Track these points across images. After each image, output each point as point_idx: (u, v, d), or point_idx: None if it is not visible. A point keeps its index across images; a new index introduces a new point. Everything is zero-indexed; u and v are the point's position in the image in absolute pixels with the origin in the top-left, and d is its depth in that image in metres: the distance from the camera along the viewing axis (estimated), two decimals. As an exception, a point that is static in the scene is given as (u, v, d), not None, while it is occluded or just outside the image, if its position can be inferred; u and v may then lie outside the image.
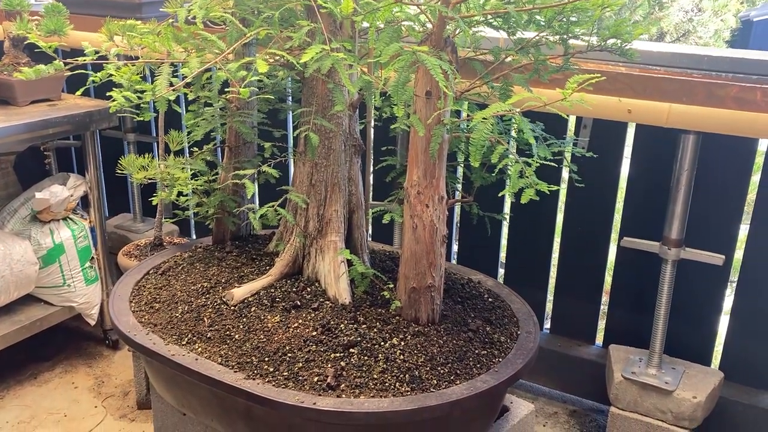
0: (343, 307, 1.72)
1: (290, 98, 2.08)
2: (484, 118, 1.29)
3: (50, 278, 2.67)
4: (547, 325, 2.74)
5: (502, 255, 2.75)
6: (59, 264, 2.67)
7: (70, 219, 2.74)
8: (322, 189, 1.80)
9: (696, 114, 1.92)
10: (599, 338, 2.62)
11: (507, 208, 2.52)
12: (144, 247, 2.66)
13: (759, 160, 2.18)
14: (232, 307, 1.73)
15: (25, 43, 2.69)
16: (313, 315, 1.69)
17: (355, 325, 1.65)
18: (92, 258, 2.77)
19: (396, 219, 1.72)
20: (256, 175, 2.11)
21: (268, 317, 1.69)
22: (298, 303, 1.73)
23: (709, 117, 1.91)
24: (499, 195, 1.47)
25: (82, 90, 1.69)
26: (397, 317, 1.69)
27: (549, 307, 2.70)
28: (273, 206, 1.68)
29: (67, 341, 2.91)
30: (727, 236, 2.23)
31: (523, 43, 1.63)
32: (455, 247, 2.75)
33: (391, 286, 1.72)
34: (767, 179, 2.14)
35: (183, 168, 2.00)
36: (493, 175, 1.58)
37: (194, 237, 3.34)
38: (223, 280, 1.86)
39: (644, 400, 2.22)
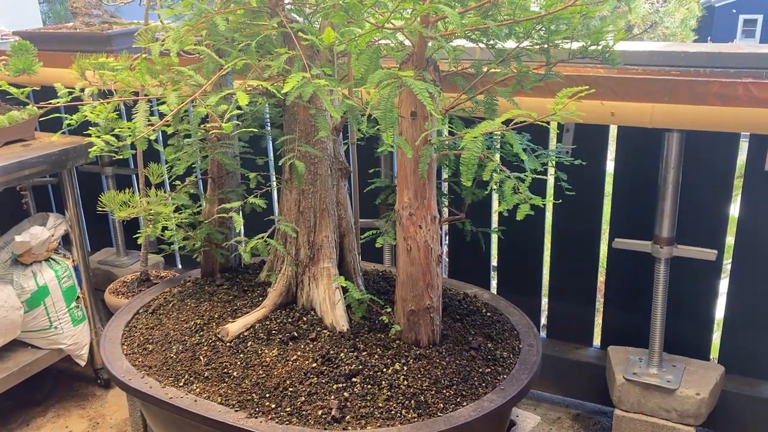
0: (341, 335, 1.68)
1: (269, 124, 2.04)
2: (474, 138, 1.27)
3: (36, 321, 2.61)
4: (543, 329, 2.73)
5: (494, 262, 2.74)
6: (44, 306, 2.61)
7: (53, 259, 2.68)
8: (311, 215, 1.77)
9: (679, 113, 1.92)
10: (596, 340, 2.62)
11: (495, 217, 2.50)
12: (131, 284, 2.60)
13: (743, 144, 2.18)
14: (228, 344, 1.69)
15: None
16: (311, 346, 1.65)
17: (356, 353, 1.61)
18: (78, 297, 2.70)
19: (389, 241, 1.69)
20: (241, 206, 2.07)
21: (266, 351, 1.65)
22: (295, 334, 1.69)
23: (692, 115, 1.91)
24: (494, 212, 1.44)
25: (58, 134, 1.64)
26: (398, 341, 1.66)
27: (544, 311, 2.69)
28: (262, 238, 1.65)
29: (58, 383, 2.84)
30: (717, 228, 2.23)
31: (503, 55, 1.61)
32: (445, 256, 2.73)
33: (389, 310, 1.69)
34: (753, 162, 2.14)
35: (166, 203, 1.96)
36: (485, 191, 1.56)
37: (180, 266, 3.29)
38: (216, 316, 1.82)
39: (648, 401, 2.21)
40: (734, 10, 19.23)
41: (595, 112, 2.00)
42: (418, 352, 1.62)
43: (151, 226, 2.08)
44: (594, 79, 1.98)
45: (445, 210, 2.07)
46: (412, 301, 1.62)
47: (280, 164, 1.70)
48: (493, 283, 2.77)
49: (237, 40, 1.65)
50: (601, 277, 2.57)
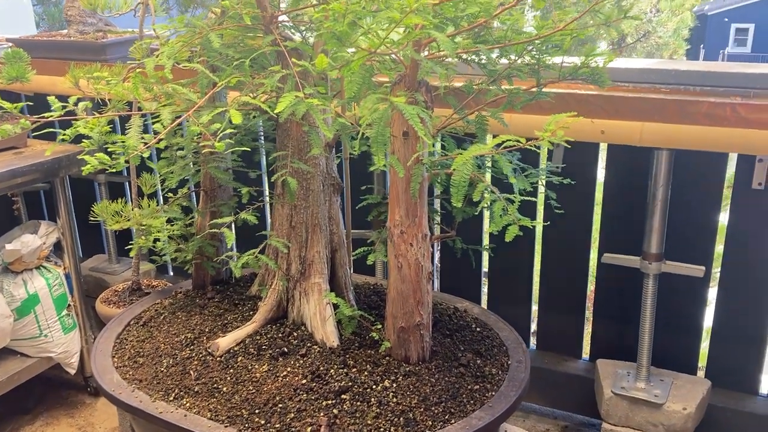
0: (331, 351, 1.69)
1: (262, 137, 2.05)
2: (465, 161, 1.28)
3: (26, 330, 2.60)
4: (533, 335, 2.75)
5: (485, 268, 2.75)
6: (35, 314, 2.60)
7: (44, 267, 2.68)
8: (303, 231, 1.78)
9: (669, 131, 1.94)
10: (585, 352, 2.64)
11: (486, 232, 2.51)
12: (122, 293, 2.60)
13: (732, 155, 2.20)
14: (218, 358, 1.70)
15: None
16: (301, 362, 1.66)
17: (345, 370, 1.63)
18: (69, 306, 2.70)
19: (380, 258, 1.70)
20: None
21: (256, 367, 1.66)
22: (285, 350, 1.70)
23: (681, 134, 1.93)
24: (486, 232, 1.45)
25: (52, 148, 1.66)
26: (387, 358, 1.67)
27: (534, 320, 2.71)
28: (254, 254, 1.66)
29: (47, 391, 2.83)
30: (706, 245, 2.25)
31: (494, 75, 1.63)
32: (437, 261, 2.74)
33: (380, 326, 1.70)
34: (741, 178, 2.17)
35: (158, 215, 1.97)
36: (476, 209, 1.57)
37: (171, 274, 3.29)
38: (206, 330, 1.82)
39: (635, 415, 2.23)
40: (726, 19, 19.38)
41: (585, 129, 2.02)
42: (407, 369, 1.64)
43: (143, 237, 2.09)
44: (584, 97, 2.00)
45: (437, 227, 2.08)
46: (403, 318, 1.63)
47: (272, 180, 1.71)
48: (484, 289, 2.78)
49: (231, 56, 1.66)
50: (591, 286, 2.59)
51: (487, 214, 1.49)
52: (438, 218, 2.00)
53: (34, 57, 2.64)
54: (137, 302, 2.08)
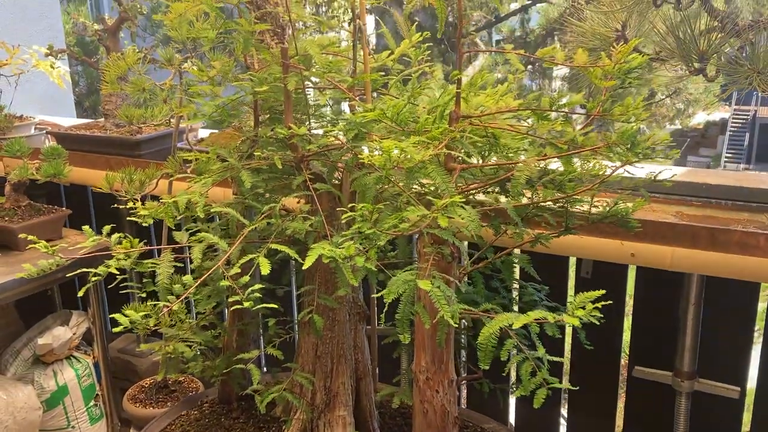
0: (355, 491, 1.68)
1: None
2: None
3: (54, 421, 2.64)
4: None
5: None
6: (63, 406, 2.64)
7: (74, 357, 2.72)
8: (328, 361, 1.78)
9: (700, 258, 1.91)
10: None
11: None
12: (149, 390, 2.62)
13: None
14: (242, 493, 1.70)
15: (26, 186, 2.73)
16: (325, 502, 1.65)
17: None
18: (97, 395, 2.73)
19: (405, 401, 1.69)
20: (261, 331, 2.10)
21: (279, 505, 1.65)
22: (309, 487, 1.69)
23: (712, 261, 1.90)
24: (513, 396, 1.44)
25: (82, 290, 1.70)
26: (411, 501, 1.65)
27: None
28: (280, 392, 1.66)
29: (73, 479, 2.85)
30: (740, 364, 2.20)
31: (523, 215, 1.63)
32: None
33: (404, 468, 1.68)
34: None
35: (184, 330, 1.98)
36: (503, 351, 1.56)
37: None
38: (231, 458, 1.83)
39: None
40: (759, 61, 19.14)
41: (615, 250, 2.00)
42: None
43: (170, 346, 2.11)
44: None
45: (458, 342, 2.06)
46: (427, 463, 1.61)
47: (299, 319, 1.72)
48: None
49: (261, 194, 1.70)
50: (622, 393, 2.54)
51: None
52: (463, 353, 1.98)
53: (72, 149, 2.73)
54: (163, 416, 2.09)
